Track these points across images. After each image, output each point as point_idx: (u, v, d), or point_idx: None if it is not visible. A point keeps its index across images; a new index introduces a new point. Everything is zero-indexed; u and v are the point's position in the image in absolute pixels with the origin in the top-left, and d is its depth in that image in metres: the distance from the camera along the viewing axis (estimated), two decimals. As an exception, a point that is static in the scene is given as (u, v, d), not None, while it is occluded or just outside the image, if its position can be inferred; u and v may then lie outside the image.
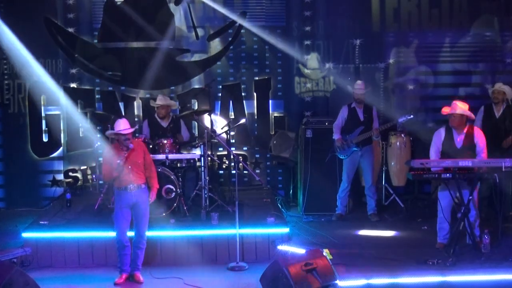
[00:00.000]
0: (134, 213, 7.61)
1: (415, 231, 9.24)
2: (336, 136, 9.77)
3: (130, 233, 7.71)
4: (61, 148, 11.16)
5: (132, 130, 7.58)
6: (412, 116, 9.59)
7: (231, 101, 11.28)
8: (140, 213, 7.60)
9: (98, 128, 10.89)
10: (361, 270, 7.38)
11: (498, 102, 9.62)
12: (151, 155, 8.34)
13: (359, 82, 9.89)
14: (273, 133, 11.26)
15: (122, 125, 7.54)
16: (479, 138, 8.11)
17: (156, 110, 9.87)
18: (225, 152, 11.01)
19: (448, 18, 11.30)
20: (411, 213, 10.12)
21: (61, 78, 11.08)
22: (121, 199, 7.55)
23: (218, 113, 11.21)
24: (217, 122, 10.88)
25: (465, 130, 8.10)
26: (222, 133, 10.12)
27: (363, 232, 9.23)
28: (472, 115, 8.32)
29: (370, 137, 9.73)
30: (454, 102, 8.15)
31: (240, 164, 10.62)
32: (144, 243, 7.66)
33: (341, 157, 9.84)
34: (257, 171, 11.25)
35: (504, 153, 9.27)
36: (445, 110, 8.15)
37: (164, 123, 9.83)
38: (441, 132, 8.22)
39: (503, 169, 7.67)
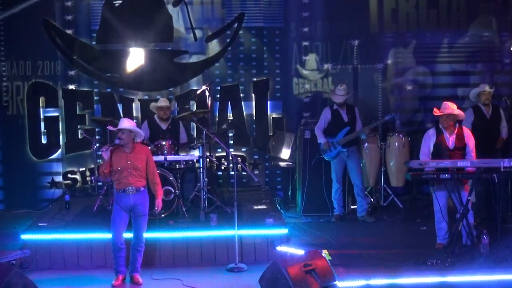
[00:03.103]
0: (133, 216, 7.60)
1: (414, 232, 9.24)
2: (322, 140, 9.76)
3: (127, 235, 7.69)
4: (59, 150, 11.16)
5: (113, 128, 7.59)
6: (398, 114, 9.62)
7: (229, 102, 11.29)
8: (138, 216, 7.59)
9: (96, 130, 10.96)
10: (360, 270, 7.38)
11: (489, 103, 9.65)
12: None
13: (340, 88, 9.81)
14: (271, 134, 11.27)
15: (119, 124, 7.57)
16: (469, 138, 8.19)
17: (158, 112, 9.87)
18: (224, 153, 11.03)
19: (446, 18, 11.31)
20: (409, 214, 10.13)
21: (59, 80, 11.09)
22: (120, 201, 7.54)
23: (217, 114, 11.22)
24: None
25: (455, 131, 8.16)
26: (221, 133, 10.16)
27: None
28: (463, 114, 8.39)
29: (356, 137, 9.75)
30: (444, 102, 8.22)
31: (239, 165, 10.63)
32: (143, 245, 7.65)
33: (327, 159, 9.84)
34: (256, 172, 11.25)
35: (495, 153, 9.30)
36: (437, 111, 8.19)
37: (164, 125, 9.83)
38: (432, 133, 8.26)
39: (502, 170, 7.69)
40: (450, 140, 8.15)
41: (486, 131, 9.42)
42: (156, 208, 7.72)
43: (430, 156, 8.18)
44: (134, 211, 7.57)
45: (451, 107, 8.11)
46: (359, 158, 10.07)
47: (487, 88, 9.67)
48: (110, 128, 8.09)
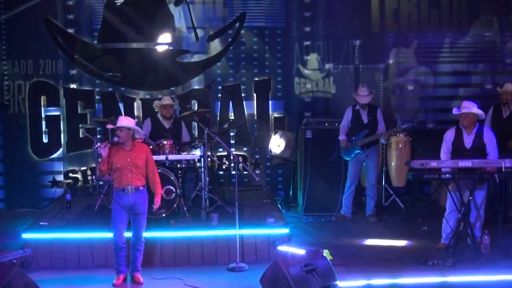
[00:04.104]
0: (132, 215, 7.59)
1: (415, 232, 9.23)
2: (341, 137, 9.74)
3: (128, 234, 7.70)
4: (61, 149, 11.17)
5: (112, 127, 7.62)
6: (415, 124, 9.52)
7: (231, 102, 11.29)
8: (137, 215, 7.58)
9: (98, 129, 10.99)
10: (361, 270, 7.38)
11: (506, 102, 9.60)
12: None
13: (363, 88, 9.73)
14: (273, 133, 11.27)
15: (118, 122, 7.58)
16: (489, 137, 8.08)
17: (161, 110, 9.87)
18: (225, 153, 11.03)
19: (448, 18, 11.31)
20: (411, 214, 10.12)
21: (61, 79, 11.09)
22: (119, 200, 7.54)
23: (218, 114, 11.23)
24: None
25: (474, 130, 8.08)
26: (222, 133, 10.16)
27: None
28: (483, 114, 8.28)
29: (375, 140, 9.69)
30: (464, 101, 8.15)
31: (240, 164, 10.62)
32: (142, 244, 7.64)
33: (345, 158, 9.83)
34: (257, 171, 11.26)
35: (510, 154, 9.25)
36: (456, 111, 8.14)
37: (167, 124, 9.83)
38: (451, 133, 8.19)
39: (503, 170, 7.68)
40: (468, 139, 8.08)
41: (500, 130, 9.22)
42: (154, 206, 7.70)
43: (450, 156, 8.13)
44: (133, 210, 7.57)
45: (470, 106, 8.04)
46: (378, 158, 10.00)
47: (504, 87, 9.63)
48: (109, 127, 8.11)
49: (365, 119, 9.73)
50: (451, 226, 8.15)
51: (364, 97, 9.67)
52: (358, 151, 9.66)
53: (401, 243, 8.68)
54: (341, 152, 9.81)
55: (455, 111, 8.12)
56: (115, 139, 7.53)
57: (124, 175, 7.50)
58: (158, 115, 9.93)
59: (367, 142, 9.61)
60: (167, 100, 9.91)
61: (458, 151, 8.07)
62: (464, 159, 7.81)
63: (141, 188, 7.58)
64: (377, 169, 9.92)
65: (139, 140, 8.13)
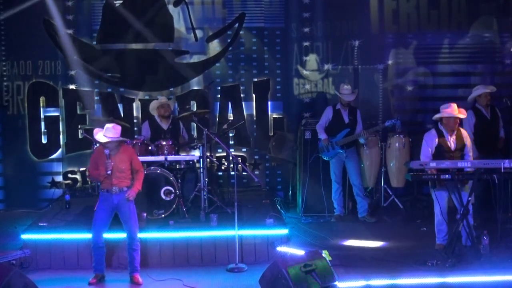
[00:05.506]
0: (121, 215, 7.63)
1: (414, 232, 9.24)
2: (322, 136, 9.77)
3: (123, 235, 7.72)
4: (60, 150, 11.17)
5: (105, 141, 7.51)
6: (398, 121, 9.58)
7: (230, 103, 11.29)
8: (126, 215, 7.60)
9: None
10: (360, 271, 7.39)
11: (488, 104, 9.66)
12: (150, 157, 8.38)
13: (346, 87, 9.84)
14: (272, 134, 11.27)
15: (105, 133, 7.53)
16: (467, 138, 8.28)
17: (159, 110, 9.88)
18: (224, 154, 11.03)
19: (447, 19, 11.30)
20: (410, 214, 10.12)
21: (60, 80, 11.09)
22: (104, 200, 7.61)
23: (217, 114, 11.22)
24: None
25: (455, 132, 8.18)
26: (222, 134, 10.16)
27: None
28: (466, 113, 8.43)
29: (355, 140, 9.75)
30: (451, 104, 8.19)
31: (239, 165, 10.62)
32: (138, 244, 7.64)
33: (325, 159, 9.84)
34: (256, 172, 11.26)
35: (497, 153, 9.30)
36: (447, 112, 8.16)
37: (165, 125, 9.84)
38: (434, 135, 8.27)
39: (502, 170, 7.69)
40: (451, 141, 8.16)
41: (487, 132, 9.43)
42: (127, 196, 7.59)
43: (431, 158, 8.17)
44: (120, 211, 7.61)
45: (458, 109, 8.15)
46: (358, 158, 10.06)
47: (488, 89, 9.66)
48: (96, 140, 8.00)
49: (346, 118, 9.79)
50: (443, 229, 8.20)
51: (349, 95, 9.74)
52: (340, 151, 9.68)
53: (400, 243, 8.70)
54: (320, 153, 9.84)
55: (441, 114, 8.18)
56: (106, 151, 7.53)
57: (108, 179, 7.54)
58: (156, 116, 9.93)
59: (348, 141, 9.65)
60: (163, 99, 9.94)
61: (442, 152, 8.15)
62: (454, 160, 7.90)
63: (125, 189, 7.63)
64: (359, 169, 9.97)
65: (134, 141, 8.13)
